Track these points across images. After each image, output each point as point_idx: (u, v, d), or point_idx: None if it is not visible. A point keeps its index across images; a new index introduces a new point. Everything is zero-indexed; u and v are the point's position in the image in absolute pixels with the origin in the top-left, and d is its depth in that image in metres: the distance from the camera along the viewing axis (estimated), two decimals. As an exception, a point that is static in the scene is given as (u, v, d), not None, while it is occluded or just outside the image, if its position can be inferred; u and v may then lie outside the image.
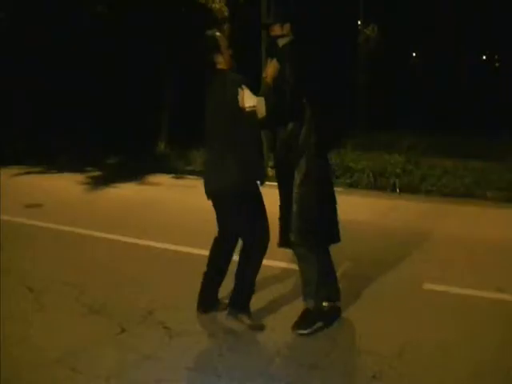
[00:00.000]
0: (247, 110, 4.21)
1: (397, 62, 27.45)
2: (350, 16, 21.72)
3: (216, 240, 4.69)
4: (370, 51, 22.02)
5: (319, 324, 4.38)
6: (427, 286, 5.30)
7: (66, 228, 7.50)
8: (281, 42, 4.44)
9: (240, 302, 4.51)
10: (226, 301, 4.70)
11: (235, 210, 4.41)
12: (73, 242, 6.94)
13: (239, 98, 4.21)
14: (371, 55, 22.08)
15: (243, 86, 4.24)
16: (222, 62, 4.42)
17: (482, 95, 24.55)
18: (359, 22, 21.50)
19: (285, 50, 4.40)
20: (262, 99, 4.23)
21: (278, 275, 5.55)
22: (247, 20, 13.99)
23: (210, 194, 4.51)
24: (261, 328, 4.50)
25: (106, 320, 4.58)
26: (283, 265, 5.71)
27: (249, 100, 4.21)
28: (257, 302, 4.77)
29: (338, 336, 4.32)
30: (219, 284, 4.71)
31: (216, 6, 13.82)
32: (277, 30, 4.42)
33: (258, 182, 4.46)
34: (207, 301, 4.69)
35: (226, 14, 14.13)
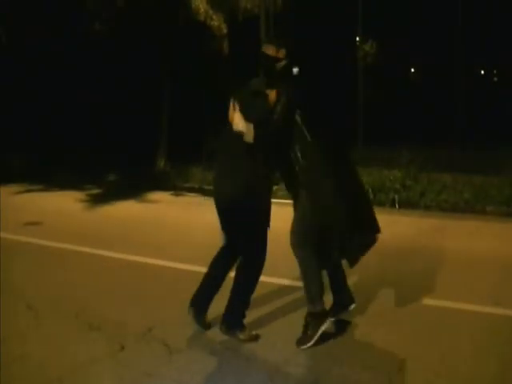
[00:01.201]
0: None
1: (395, 77, 27.63)
2: (348, 32, 21.85)
3: (222, 248, 4.60)
4: (368, 66, 22.14)
5: (322, 328, 4.32)
6: (427, 301, 5.29)
7: (65, 245, 7.50)
8: (278, 66, 4.26)
9: (234, 318, 4.47)
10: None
11: (237, 223, 4.37)
12: (72, 260, 6.93)
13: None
14: (370, 70, 22.20)
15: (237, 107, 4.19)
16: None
17: (481, 109, 24.65)
18: (357, 38, 21.62)
19: (281, 77, 4.26)
20: (250, 126, 4.10)
21: (279, 292, 5.51)
22: (246, 37, 14.07)
23: (216, 201, 4.45)
24: (255, 339, 4.47)
25: (106, 337, 4.56)
26: (285, 282, 5.71)
27: (238, 124, 4.14)
28: (258, 318, 4.78)
29: (338, 352, 4.29)
30: (216, 288, 4.58)
31: (215, 23, 13.91)
32: (271, 50, 4.25)
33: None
34: (200, 301, 4.58)
35: (225, 31, 14.23)
